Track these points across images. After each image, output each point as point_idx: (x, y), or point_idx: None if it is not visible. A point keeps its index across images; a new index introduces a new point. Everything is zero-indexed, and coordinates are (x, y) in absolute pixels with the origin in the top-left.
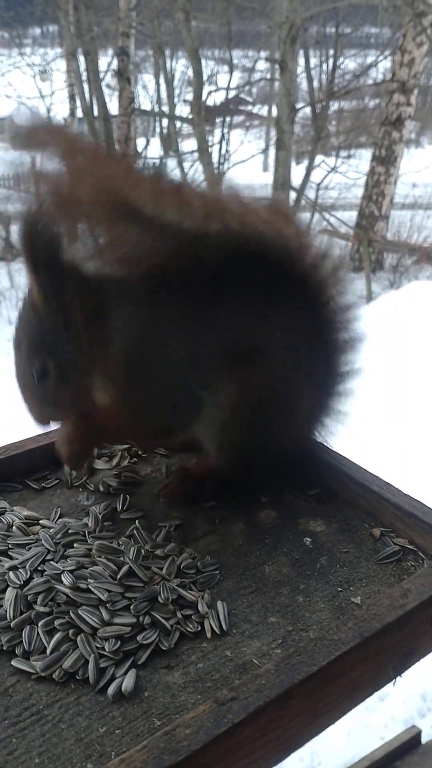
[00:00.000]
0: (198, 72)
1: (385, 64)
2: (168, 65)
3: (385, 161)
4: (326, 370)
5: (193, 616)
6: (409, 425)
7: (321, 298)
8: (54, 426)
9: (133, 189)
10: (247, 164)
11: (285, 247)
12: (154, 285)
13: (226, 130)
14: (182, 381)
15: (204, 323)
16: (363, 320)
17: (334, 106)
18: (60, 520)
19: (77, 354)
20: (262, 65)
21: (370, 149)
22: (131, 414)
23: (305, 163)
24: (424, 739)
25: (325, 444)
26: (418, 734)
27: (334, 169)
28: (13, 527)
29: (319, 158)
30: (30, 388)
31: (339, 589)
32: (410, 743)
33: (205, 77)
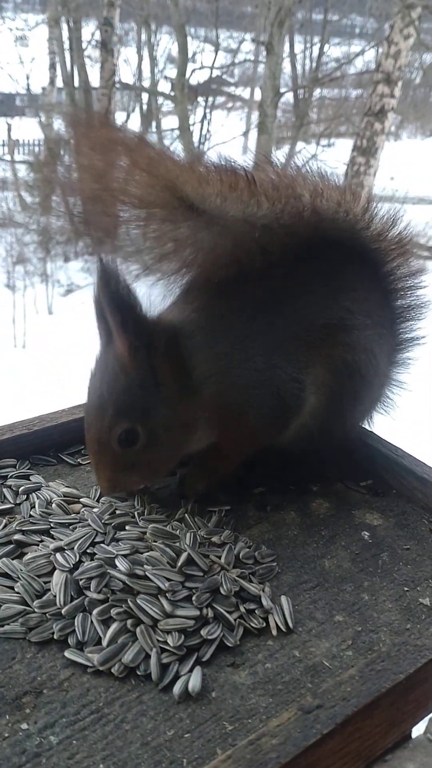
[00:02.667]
0: (183, 48)
1: (370, 55)
2: (152, 40)
3: (366, 152)
4: (391, 337)
5: (256, 611)
6: None
7: (385, 267)
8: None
9: (196, 185)
10: (227, 146)
11: (353, 223)
12: (219, 300)
13: (208, 110)
14: (278, 377)
15: (282, 312)
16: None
17: (317, 93)
18: (103, 499)
19: (169, 413)
20: (246, 47)
21: (351, 139)
22: (247, 433)
23: (285, 149)
24: (414, 734)
25: (378, 434)
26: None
27: (314, 157)
28: (53, 504)
29: (299, 145)
30: (108, 452)
31: (405, 589)
32: (401, 737)
33: (189, 55)
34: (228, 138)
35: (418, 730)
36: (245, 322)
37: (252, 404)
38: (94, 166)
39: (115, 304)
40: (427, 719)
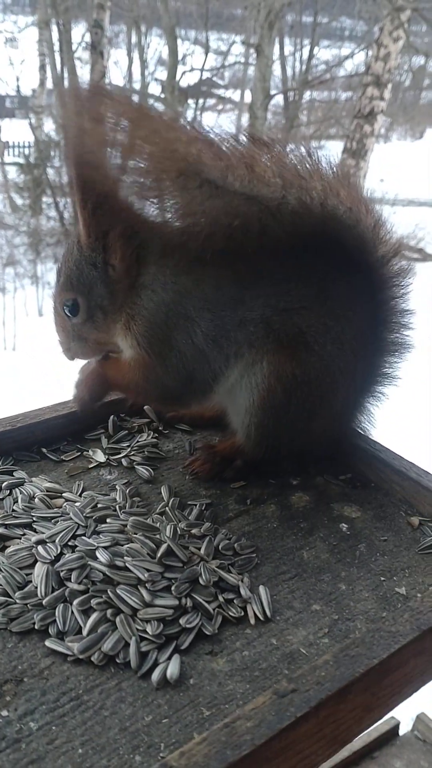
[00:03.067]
0: (173, 51)
1: (359, 57)
2: (142, 42)
3: (356, 154)
4: (371, 367)
5: (235, 601)
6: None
7: (383, 294)
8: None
9: (201, 155)
10: None
11: (361, 235)
12: (204, 250)
13: (198, 112)
14: (202, 355)
15: (253, 298)
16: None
17: (307, 95)
18: (85, 493)
19: (108, 298)
20: (236, 49)
21: (340, 141)
22: (144, 374)
23: None
24: (402, 731)
25: (358, 429)
26: (397, 726)
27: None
28: (35, 499)
29: (289, 147)
30: (60, 319)
31: (382, 579)
32: (389, 734)
33: (179, 57)
34: None
35: (405, 727)
36: (218, 284)
37: (169, 351)
38: (92, 133)
39: (80, 181)
40: (414, 717)
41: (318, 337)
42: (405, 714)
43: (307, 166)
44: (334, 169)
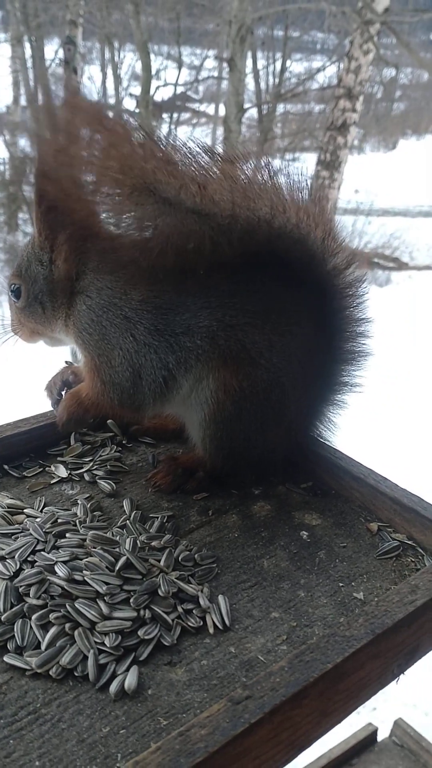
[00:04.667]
0: (147, 66)
1: (331, 70)
2: (115, 58)
3: (330, 166)
4: (326, 377)
5: (194, 611)
6: (401, 419)
7: (335, 305)
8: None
9: (156, 173)
10: None
11: (309, 249)
12: (155, 267)
13: (173, 126)
14: (147, 348)
15: (199, 308)
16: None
17: (280, 108)
18: (46, 509)
19: (48, 295)
20: (209, 63)
21: (314, 153)
22: (98, 377)
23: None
24: (380, 737)
25: (318, 437)
26: (375, 732)
27: (279, 171)
28: None
29: (264, 160)
30: (9, 299)
31: (340, 584)
32: (367, 741)
33: (153, 72)
34: None
35: (383, 733)
36: (157, 289)
37: (106, 359)
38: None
39: (38, 183)
40: (391, 721)
41: (263, 352)
42: (383, 720)
43: (255, 186)
44: (285, 184)
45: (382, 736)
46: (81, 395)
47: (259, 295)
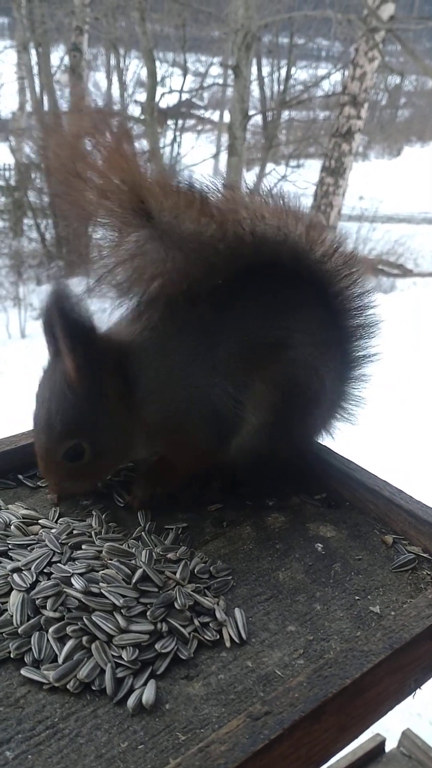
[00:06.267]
0: (152, 73)
1: (336, 77)
2: (121, 64)
3: (335, 172)
4: (342, 356)
5: (210, 624)
6: (405, 427)
7: (333, 288)
8: None
9: (152, 193)
10: (198, 168)
11: (293, 246)
12: (167, 319)
13: (177, 133)
14: (216, 396)
15: (224, 332)
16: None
17: (285, 115)
18: (61, 519)
19: (116, 427)
20: (214, 71)
21: (319, 160)
22: (186, 448)
23: (256, 170)
24: (388, 748)
25: (331, 449)
26: (383, 742)
27: (284, 178)
28: (11, 527)
29: (269, 166)
30: (55, 463)
31: (356, 598)
32: (375, 752)
33: (158, 79)
34: (198, 160)
35: (391, 744)
36: (189, 342)
37: (190, 420)
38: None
39: (65, 325)
40: (398, 732)
41: (291, 337)
42: (391, 730)
43: (237, 199)
44: (253, 192)
45: (389, 746)
46: (166, 472)
47: (266, 297)
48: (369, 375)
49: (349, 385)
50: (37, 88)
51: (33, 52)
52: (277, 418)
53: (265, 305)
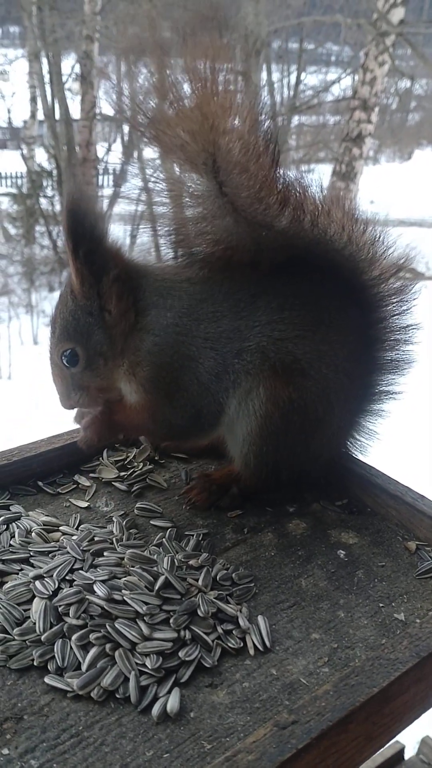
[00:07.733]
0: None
1: (346, 82)
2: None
3: (346, 177)
4: (363, 388)
5: (234, 631)
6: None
7: (378, 314)
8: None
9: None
10: None
11: (352, 256)
12: (198, 284)
13: None
14: (207, 391)
15: (249, 328)
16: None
17: (295, 120)
18: (81, 526)
19: (107, 345)
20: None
21: (330, 164)
22: (152, 416)
23: None
24: (407, 755)
25: (353, 454)
26: (402, 750)
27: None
28: (32, 533)
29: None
30: (59, 370)
31: (381, 605)
32: (394, 759)
33: None
34: None
35: (410, 751)
36: (224, 310)
37: (176, 382)
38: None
39: (71, 231)
40: (419, 740)
41: (313, 363)
42: (410, 738)
43: (298, 189)
44: (325, 191)
45: (408, 754)
46: (120, 421)
47: (308, 307)
48: (387, 412)
49: (364, 418)
50: (49, 97)
51: (44, 60)
52: (271, 430)
53: (303, 309)
